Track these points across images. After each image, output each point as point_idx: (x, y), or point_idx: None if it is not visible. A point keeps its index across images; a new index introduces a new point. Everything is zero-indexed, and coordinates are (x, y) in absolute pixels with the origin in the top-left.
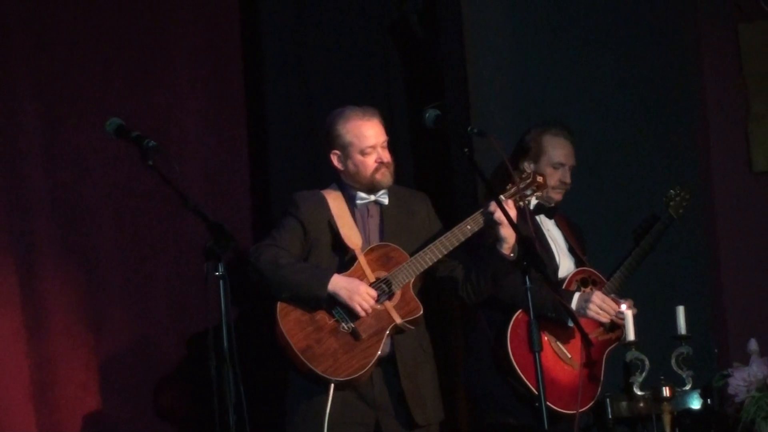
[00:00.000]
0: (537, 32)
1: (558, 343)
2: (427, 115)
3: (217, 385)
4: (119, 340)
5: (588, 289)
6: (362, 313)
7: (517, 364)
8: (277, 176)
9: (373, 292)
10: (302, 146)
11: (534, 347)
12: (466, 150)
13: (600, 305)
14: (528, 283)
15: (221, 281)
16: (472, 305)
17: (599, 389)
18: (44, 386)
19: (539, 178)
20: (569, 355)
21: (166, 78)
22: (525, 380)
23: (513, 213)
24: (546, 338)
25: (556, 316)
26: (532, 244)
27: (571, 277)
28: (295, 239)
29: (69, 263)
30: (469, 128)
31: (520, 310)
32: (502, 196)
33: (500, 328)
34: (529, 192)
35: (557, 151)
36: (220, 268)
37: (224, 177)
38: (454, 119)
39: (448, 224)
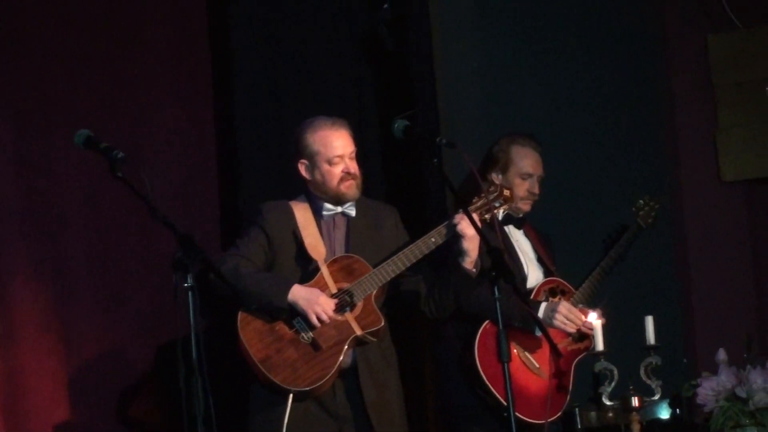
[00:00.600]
0: (506, 43)
1: (526, 353)
2: (396, 125)
3: (186, 396)
4: (89, 351)
5: (557, 299)
6: (318, 324)
7: (485, 374)
8: (246, 188)
9: (332, 303)
10: (272, 158)
11: (502, 358)
12: (435, 161)
13: (566, 315)
14: (497, 293)
15: (190, 292)
16: (435, 320)
17: (567, 399)
18: (14, 397)
19: (506, 192)
20: (537, 365)
21: (136, 89)
22: (493, 391)
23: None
24: (514, 349)
25: (523, 325)
26: (501, 254)
27: (540, 287)
28: (258, 249)
29: (39, 273)
30: (438, 139)
31: (487, 321)
32: (468, 209)
33: (468, 338)
34: (496, 205)
35: (525, 161)
36: (189, 280)
37: (193, 188)
38: (424, 130)
39: (418, 235)
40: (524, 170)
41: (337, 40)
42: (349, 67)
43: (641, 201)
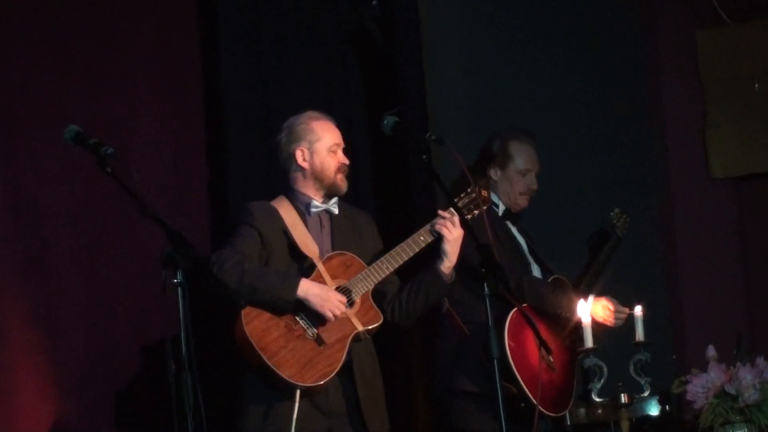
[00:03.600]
0: (494, 39)
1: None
2: (385, 121)
3: (176, 392)
4: (78, 347)
5: None
6: (333, 319)
7: (513, 362)
8: (236, 184)
9: (343, 299)
10: (260, 154)
11: (493, 354)
12: (424, 157)
13: (610, 309)
14: (486, 290)
15: (180, 288)
16: (395, 325)
17: (573, 394)
18: (2, 394)
19: (484, 193)
20: (551, 359)
21: (125, 85)
22: (519, 377)
23: (459, 231)
24: (535, 341)
25: (570, 316)
26: (490, 251)
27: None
28: (253, 247)
29: (27, 270)
30: (427, 135)
31: (514, 309)
32: (445, 212)
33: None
34: (471, 207)
35: (524, 157)
36: (179, 276)
37: (183, 184)
38: (412, 126)
39: (407, 231)
40: (523, 166)
41: (325, 36)
42: (337, 63)
43: (612, 214)
